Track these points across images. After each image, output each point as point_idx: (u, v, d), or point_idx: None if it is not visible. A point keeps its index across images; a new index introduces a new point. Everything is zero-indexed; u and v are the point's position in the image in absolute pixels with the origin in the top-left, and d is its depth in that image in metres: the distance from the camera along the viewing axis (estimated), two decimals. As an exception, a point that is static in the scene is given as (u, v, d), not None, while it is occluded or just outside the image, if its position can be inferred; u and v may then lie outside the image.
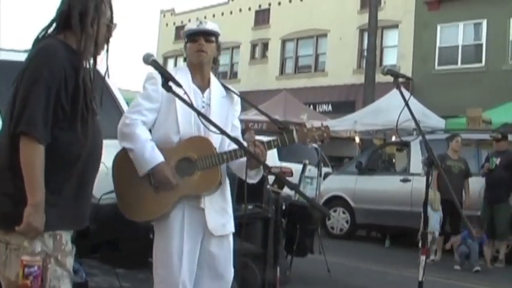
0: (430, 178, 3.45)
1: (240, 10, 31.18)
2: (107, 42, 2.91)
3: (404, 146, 12.86)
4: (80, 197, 2.78)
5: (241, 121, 5.18)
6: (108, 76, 2.95)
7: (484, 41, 21.83)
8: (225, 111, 3.63)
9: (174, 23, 35.32)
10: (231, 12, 31.52)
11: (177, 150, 3.45)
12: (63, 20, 2.79)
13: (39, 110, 2.58)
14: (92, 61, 2.84)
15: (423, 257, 3.39)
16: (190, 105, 2.77)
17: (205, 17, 32.39)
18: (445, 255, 10.34)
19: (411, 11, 23.83)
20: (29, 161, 2.56)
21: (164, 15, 36.45)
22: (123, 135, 3.44)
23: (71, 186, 2.72)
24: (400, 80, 3.87)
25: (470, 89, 20.59)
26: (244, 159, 3.41)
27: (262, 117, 16.21)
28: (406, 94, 3.77)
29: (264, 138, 3.85)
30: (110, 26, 2.89)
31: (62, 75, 2.65)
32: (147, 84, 3.50)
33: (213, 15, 32.20)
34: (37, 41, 2.81)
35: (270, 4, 29.86)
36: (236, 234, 3.73)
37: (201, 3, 46.76)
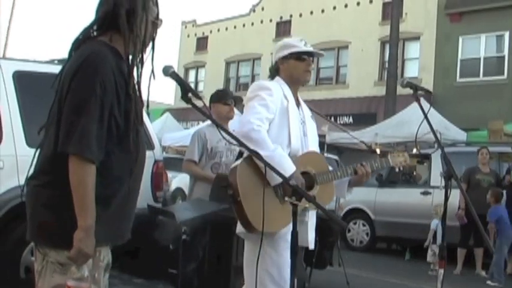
0: (448, 191, 3.43)
1: (262, 21, 31.21)
2: (153, 40, 2.67)
3: (425, 158, 12.76)
4: (127, 210, 2.63)
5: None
6: (154, 78, 2.61)
7: (506, 53, 21.66)
8: (315, 129, 3.76)
9: (196, 34, 35.44)
10: (252, 24, 31.59)
11: (297, 164, 3.38)
12: (108, 20, 2.55)
13: (93, 127, 2.35)
14: (140, 65, 2.61)
15: (441, 270, 3.36)
16: (210, 117, 2.78)
17: (226, 29, 32.58)
18: (466, 268, 10.24)
19: (433, 22, 23.72)
20: (81, 183, 2.34)
21: (185, 26, 36.60)
22: (251, 140, 3.21)
23: (120, 200, 2.54)
24: (420, 92, 3.86)
25: (492, 101, 20.43)
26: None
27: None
28: (427, 106, 3.76)
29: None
30: (155, 23, 2.66)
31: (113, 86, 2.43)
32: (265, 94, 3.45)
33: (234, 27, 32.31)
34: (77, 42, 2.58)
35: (291, 16, 29.88)
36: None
37: (223, 14, 47.05)
